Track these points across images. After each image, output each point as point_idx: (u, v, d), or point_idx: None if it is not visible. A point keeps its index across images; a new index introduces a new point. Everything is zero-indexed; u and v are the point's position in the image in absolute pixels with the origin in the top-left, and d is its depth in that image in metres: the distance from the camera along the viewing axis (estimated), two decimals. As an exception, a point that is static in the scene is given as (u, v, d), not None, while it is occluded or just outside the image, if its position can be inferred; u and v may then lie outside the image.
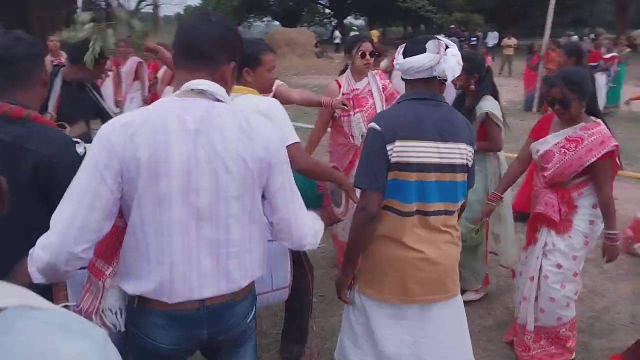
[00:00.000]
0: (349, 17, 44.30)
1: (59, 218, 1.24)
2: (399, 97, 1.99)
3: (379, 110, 3.25)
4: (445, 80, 1.77)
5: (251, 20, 41.36)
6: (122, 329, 1.42)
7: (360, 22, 48.93)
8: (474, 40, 12.65)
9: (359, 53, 3.28)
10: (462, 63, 1.78)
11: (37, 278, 1.26)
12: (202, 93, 1.34)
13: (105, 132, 1.26)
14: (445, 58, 1.72)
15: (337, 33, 31.55)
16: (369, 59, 3.30)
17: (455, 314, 1.95)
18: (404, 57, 1.79)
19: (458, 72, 1.77)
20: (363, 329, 1.94)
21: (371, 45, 3.39)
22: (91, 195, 1.23)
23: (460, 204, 1.89)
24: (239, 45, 1.42)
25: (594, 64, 8.23)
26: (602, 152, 2.43)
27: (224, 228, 1.33)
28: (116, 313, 1.41)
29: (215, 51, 1.36)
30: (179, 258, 1.30)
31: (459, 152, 1.80)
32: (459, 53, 1.76)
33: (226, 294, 1.38)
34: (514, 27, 23.40)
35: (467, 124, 1.88)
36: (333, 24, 42.87)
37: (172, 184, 1.27)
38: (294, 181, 1.48)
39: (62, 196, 1.28)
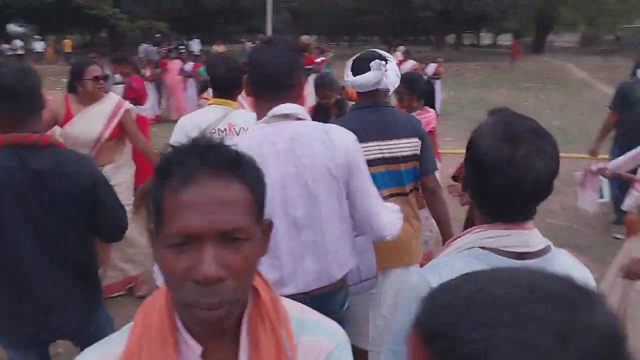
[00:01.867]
0: (11, 25, 38.28)
1: None
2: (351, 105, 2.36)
3: None
4: (388, 90, 2.18)
5: None
6: None
7: (23, 29, 42.84)
8: (182, 48, 13.10)
9: (89, 78, 3.05)
10: (400, 75, 2.20)
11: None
12: (286, 116, 1.53)
13: None
14: (386, 74, 2.08)
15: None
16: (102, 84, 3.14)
17: None
18: (354, 75, 2.14)
19: (397, 84, 2.19)
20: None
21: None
22: None
23: (408, 186, 2.24)
24: (302, 61, 1.64)
25: (308, 67, 9.74)
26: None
27: (320, 230, 1.54)
28: None
29: (289, 77, 1.56)
30: (287, 259, 1.52)
31: (400, 147, 2.17)
32: (396, 67, 2.16)
33: (326, 285, 1.59)
34: (199, 34, 25.13)
35: (410, 122, 2.25)
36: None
37: (274, 196, 1.44)
38: (369, 178, 1.67)
39: (106, 210, 1.72)
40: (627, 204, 2.54)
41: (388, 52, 2.39)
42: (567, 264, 1.10)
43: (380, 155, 2.15)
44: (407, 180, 2.24)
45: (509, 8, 32.72)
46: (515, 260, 1.04)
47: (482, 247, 1.07)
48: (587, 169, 2.78)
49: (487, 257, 1.05)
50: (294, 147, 1.49)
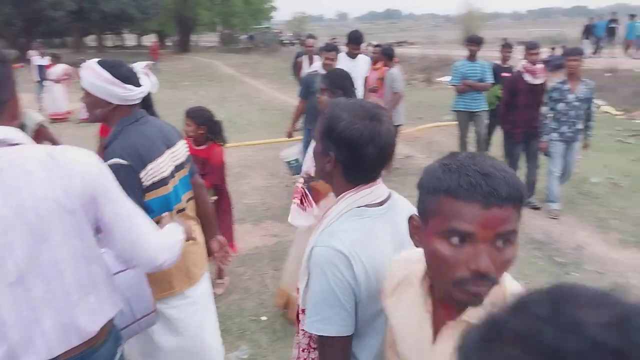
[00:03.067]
0: None
1: None
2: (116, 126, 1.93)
3: None
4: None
5: None
6: None
7: None
8: None
9: None
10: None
11: None
12: None
13: None
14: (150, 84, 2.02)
15: None
16: None
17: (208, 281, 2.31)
18: (126, 84, 1.88)
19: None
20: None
21: None
22: None
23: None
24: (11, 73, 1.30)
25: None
26: None
27: (56, 279, 1.23)
28: None
29: None
30: (16, 325, 1.20)
31: (179, 151, 2.08)
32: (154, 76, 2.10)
33: (79, 344, 1.30)
34: None
35: (170, 126, 2.10)
36: None
37: None
38: (128, 203, 1.39)
39: None
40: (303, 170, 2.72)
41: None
42: (404, 200, 1.44)
43: (173, 163, 2.03)
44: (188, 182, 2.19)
45: (150, 8, 32.62)
46: (379, 207, 1.33)
47: (357, 207, 1.31)
48: (298, 188, 2.70)
49: (364, 211, 1.31)
50: (3, 180, 1.17)
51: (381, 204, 1.33)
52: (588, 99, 5.00)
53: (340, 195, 1.33)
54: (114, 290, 1.42)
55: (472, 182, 0.85)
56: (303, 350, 1.44)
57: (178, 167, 2.05)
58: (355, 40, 5.55)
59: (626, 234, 4.77)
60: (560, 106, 4.99)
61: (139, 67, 2.02)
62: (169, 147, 1.99)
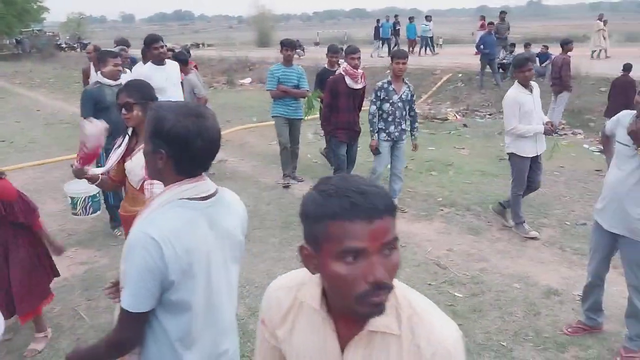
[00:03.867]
0: None
1: None
2: None
3: None
4: None
5: None
6: None
7: None
8: None
9: None
10: None
11: None
12: None
13: None
14: None
15: None
16: None
17: None
18: None
19: None
20: None
21: None
22: None
23: None
24: None
25: None
26: None
27: None
28: None
29: None
30: None
31: None
32: None
33: None
34: None
35: None
36: None
37: None
38: None
39: None
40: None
41: None
42: (234, 196, 1.64)
43: None
44: None
45: None
46: (202, 202, 1.47)
47: (180, 199, 1.45)
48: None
49: (185, 203, 1.45)
50: None
51: (205, 198, 1.48)
52: (410, 100, 5.26)
53: (166, 187, 1.47)
54: None
55: (353, 203, 0.89)
56: None
57: None
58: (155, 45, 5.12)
59: (418, 209, 5.53)
60: (386, 106, 5.13)
61: None
62: None
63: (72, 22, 48.00)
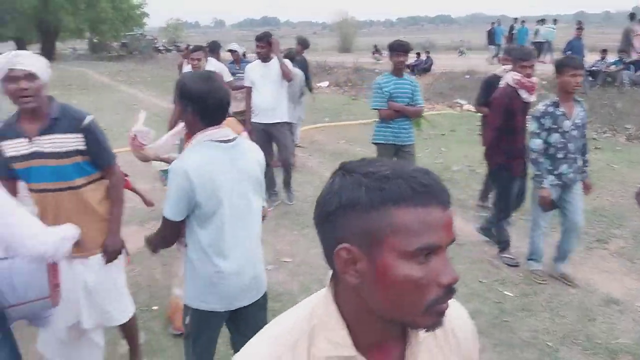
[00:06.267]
0: None
1: None
2: None
3: None
4: None
5: None
6: None
7: None
8: None
9: None
10: None
11: None
12: None
13: None
14: None
15: None
16: None
17: None
18: None
19: None
20: None
21: None
22: None
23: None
24: None
25: None
26: None
27: None
28: None
29: None
30: None
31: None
32: None
33: None
34: None
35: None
36: None
37: None
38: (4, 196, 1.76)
39: None
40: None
41: None
42: (251, 144, 2.23)
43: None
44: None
45: (4, 13, 29.48)
46: (224, 144, 2.02)
47: (206, 140, 1.99)
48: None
49: (210, 144, 1.99)
50: None
51: (227, 141, 2.01)
52: (584, 126, 3.87)
53: (197, 133, 2.00)
54: None
55: (423, 184, 0.71)
56: None
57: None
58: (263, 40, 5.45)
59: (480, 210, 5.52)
60: (555, 138, 3.71)
61: None
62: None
63: (170, 27, 51.46)
